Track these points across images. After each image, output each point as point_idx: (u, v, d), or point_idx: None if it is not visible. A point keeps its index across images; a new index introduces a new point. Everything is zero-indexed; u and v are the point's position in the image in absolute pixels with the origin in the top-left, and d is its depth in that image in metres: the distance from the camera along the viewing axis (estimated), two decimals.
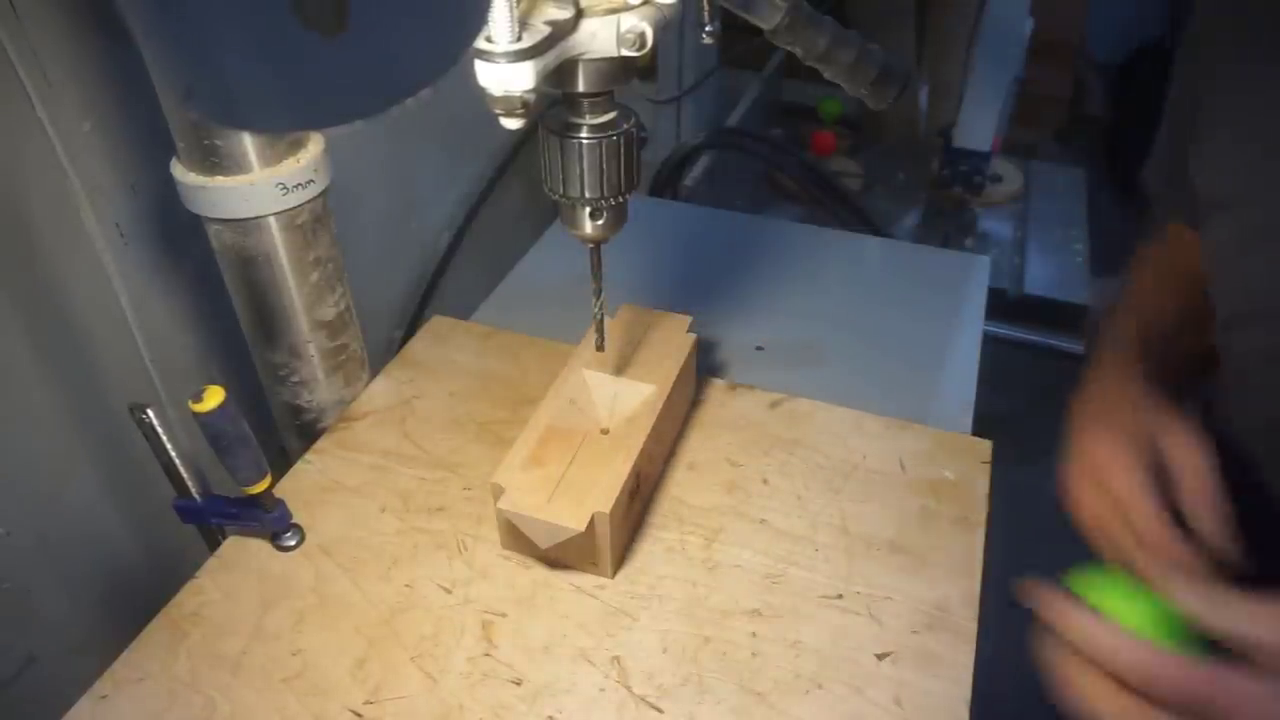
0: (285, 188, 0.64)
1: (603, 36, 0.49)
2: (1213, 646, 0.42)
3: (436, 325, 0.87)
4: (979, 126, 1.62)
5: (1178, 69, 0.65)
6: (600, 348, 0.68)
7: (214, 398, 0.56)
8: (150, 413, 0.59)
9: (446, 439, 0.74)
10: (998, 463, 0.72)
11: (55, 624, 0.72)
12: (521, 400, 0.77)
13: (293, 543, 0.65)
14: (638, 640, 0.59)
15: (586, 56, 0.50)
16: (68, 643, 0.73)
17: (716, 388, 0.79)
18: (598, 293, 0.63)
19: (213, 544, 0.66)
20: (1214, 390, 0.65)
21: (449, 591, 0.62)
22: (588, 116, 0.53)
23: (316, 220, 0.68)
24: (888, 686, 0.56)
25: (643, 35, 0.48)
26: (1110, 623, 0.43)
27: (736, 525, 0.67)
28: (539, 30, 0.46)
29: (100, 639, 0.72)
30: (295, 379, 0.73)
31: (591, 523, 0.58)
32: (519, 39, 0.45)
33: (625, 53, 0.49)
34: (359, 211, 0.94)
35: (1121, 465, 0.56)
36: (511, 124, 0.48)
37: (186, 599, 0.62)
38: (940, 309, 0.94)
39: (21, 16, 0.60)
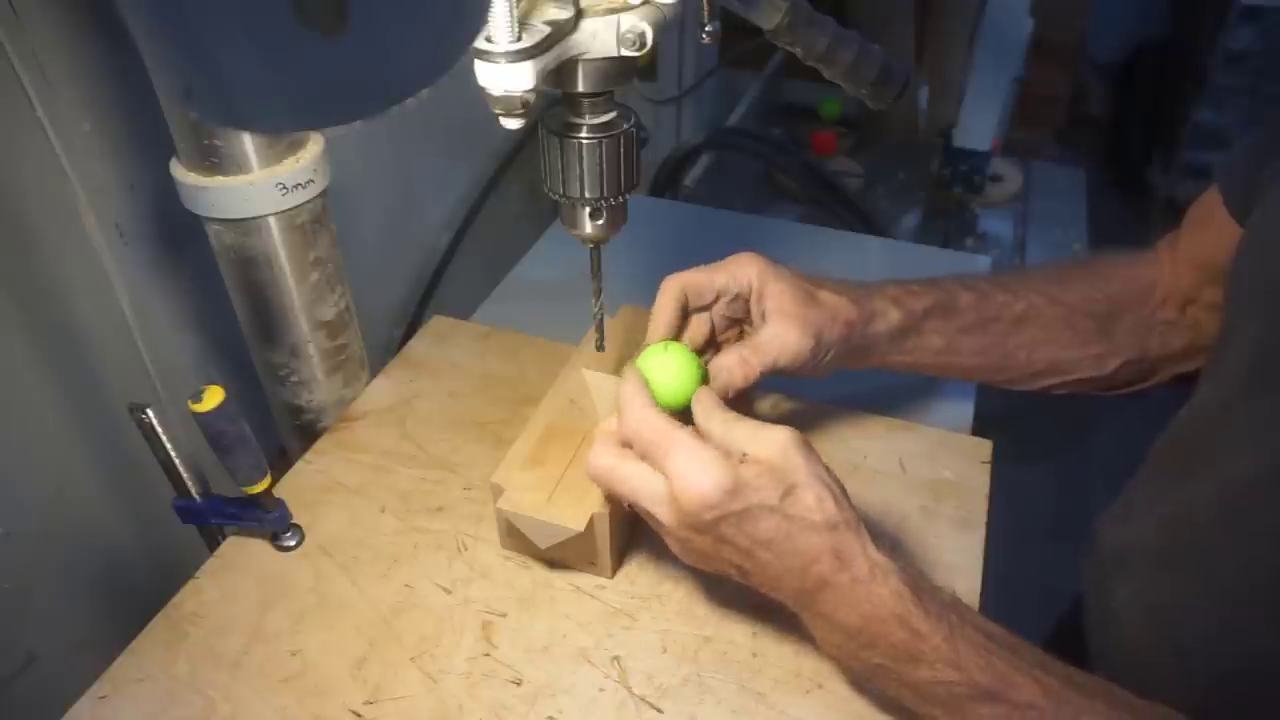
0: (285, 188, 0.64)
1: (603, 36, 0.49)
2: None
3: (436, 325, 0.86)
4: (979, 126, 1.63)
5: None
6: (600, 348, 0.67)
7: (214, 398, 0.56)
8: (150, 413, 0.59)
9: (446, 439, 0.74)
10: (998, 463, 0.72)
11: (55, 623, 0.72)
12: (521, 400, 0.77)
13: (292, 543, 0.65)
14: (638, 640, 0.59)
15: (586, 56, 0.50)
16: (68, 642, 0.73)
17: None
18: (598, 293, 0.63)
19: (213, 544, 0.66)
20: None
21: (449, 591, 0.62)
22: (588, 116, 0.53)
23: (316, 220, 0.68)
24: None
25: (643, 35, 0.48)
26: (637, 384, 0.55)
27: None
28: (539, 30, 0.46)
29: (100, 638, 0.72)
30: (295, 379, 0.73)
31: (591, 523, 0.58)
32: (519, 39, 0.45)
33: (625, 53, 0.49)
34: (359, 211, 0.94)
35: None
36: (511, 124, 0.48)
37: (186, 599, 0.62)
38: None
39: (21, 16, 0.60)
